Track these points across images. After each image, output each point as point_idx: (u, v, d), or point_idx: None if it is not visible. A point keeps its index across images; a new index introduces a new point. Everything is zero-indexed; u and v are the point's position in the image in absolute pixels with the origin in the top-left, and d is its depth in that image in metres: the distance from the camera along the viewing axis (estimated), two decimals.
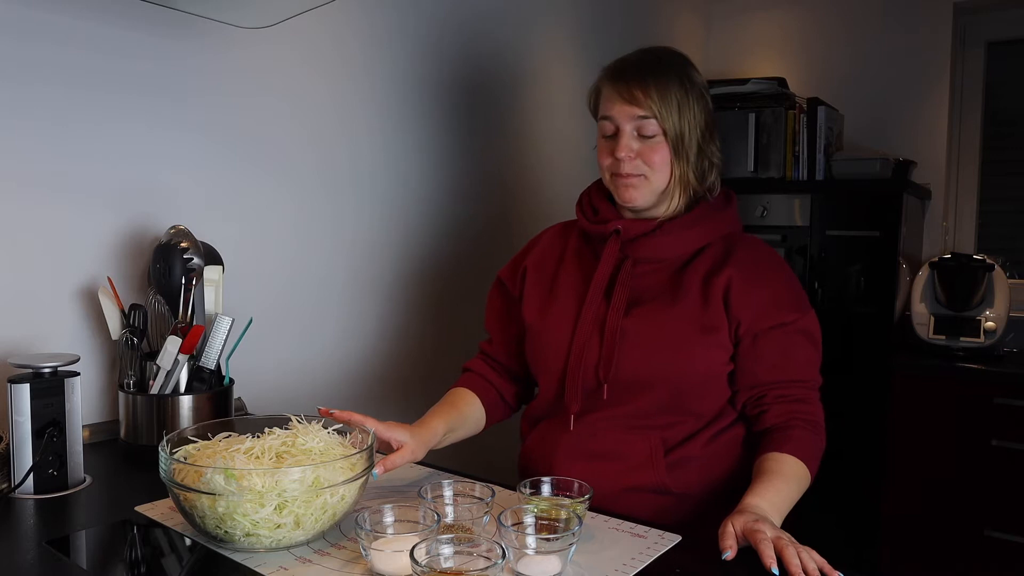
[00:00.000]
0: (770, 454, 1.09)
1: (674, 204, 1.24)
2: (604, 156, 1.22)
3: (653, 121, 1.17)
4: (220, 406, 1.26)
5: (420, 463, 1.24)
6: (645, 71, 1.19)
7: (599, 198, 1.30)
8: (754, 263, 1.20)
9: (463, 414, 1.26)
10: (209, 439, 0.99)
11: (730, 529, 0.91)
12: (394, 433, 1.08)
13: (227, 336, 1.26)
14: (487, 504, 0.93)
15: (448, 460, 1.43)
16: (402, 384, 1.89)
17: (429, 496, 0.94)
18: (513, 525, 0.84)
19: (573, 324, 1.21)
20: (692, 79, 1.20)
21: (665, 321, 1.16)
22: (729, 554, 0.88)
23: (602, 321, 1.18)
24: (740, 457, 1.20)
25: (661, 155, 1.19)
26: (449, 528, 0.90)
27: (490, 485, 0.98)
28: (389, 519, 0.87)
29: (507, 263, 1.39)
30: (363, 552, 0.82)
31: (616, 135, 1.20)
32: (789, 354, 1.16)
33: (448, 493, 0.96)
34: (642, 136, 1.19)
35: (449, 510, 0.93)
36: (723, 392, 1.18)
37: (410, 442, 1.09)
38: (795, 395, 1.15)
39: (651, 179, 1.19)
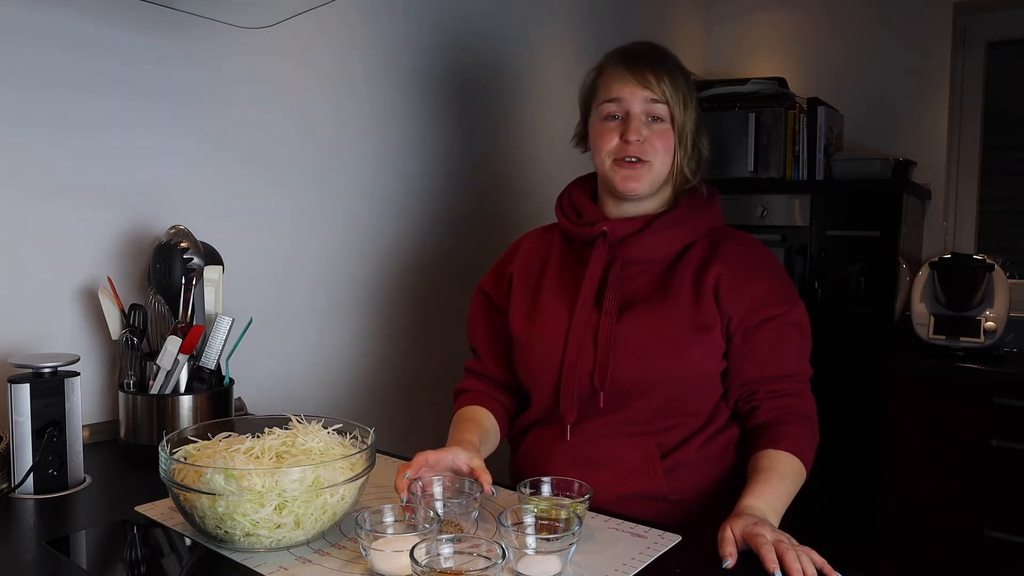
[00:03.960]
0: (764, 451, 1.09)
1: (663, 197, 1.25)
2: (607, 140, 1.21)
3: (663, 106, 1.19)
4: (220, 406, 1.26)
5: None
6: (655, 58, 1.21)
7: (581, 199, 1.28)
8: (743, 257, 1.20)
9: (485, 428, 1.21)
10: (209, 439, 0.99)
11: (729, 535, 0.90)
12: (454, 455, 1.01)
13: (227, 336, 1.26)
14: (476, 499, 0.94)
15: None
16: (401, 382, 1.89)
17: (419, 493, 0.94)
18: (513, 525, 0.84)
19: (564, 333, 1.19)
20: (687, 74, 1.23)
21: (659, 323, 1.15)
22: (729, 562, 0.87)
23: (595, 328, 1.17)
24: (735, 461, 1.19)
25: (667, 142, 1.20)
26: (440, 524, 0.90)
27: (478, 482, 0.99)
28: (389, 519, 0.87)
29: (488, 273, 1.36)
30: (363, 552, 0.82)
31: (624, 119, 1.20)
32: (779, 348, 1.15)
33: (438, 489, 0.97)
34: (650, 121, 1.19)
35: (439, 506, 0.94)
36: (717, 389, 1.18)
37: (471, 456, 1.02)
38: (786, 389, 1.15)
39: (655, 165, 1.19)
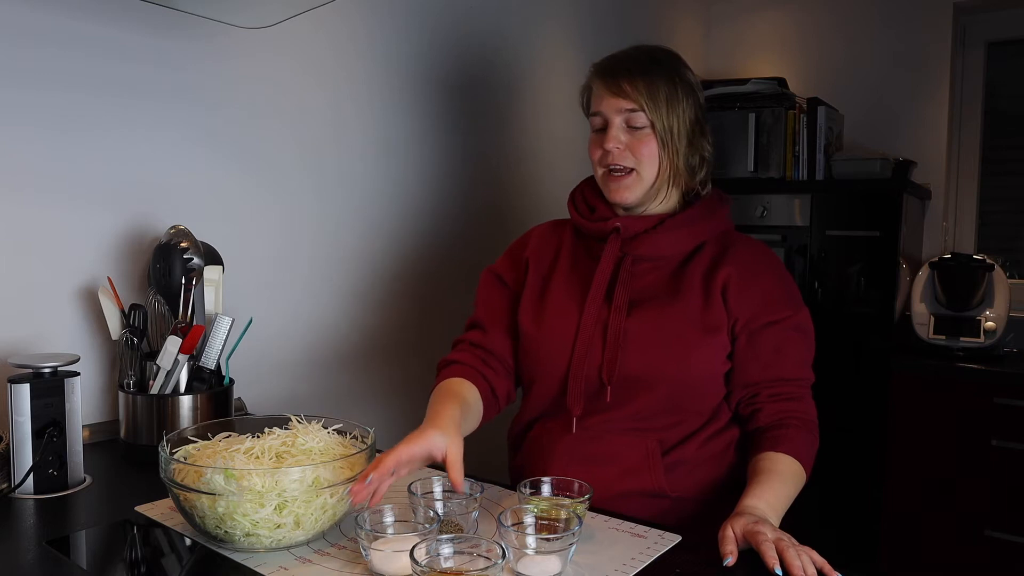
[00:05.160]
0: (765, 453, 1.09)
1: (668, 199, 1.25)
2: (593, 151, 1.23)
3: (641, 114, 1.19)
4: (220, 406, 1.26)
5: None
6: (633, 65, 1.21)
7: (593, 195, 1.29)
8: (751, 260, 1.20)
9: (468, 403, 1.14)
10: (209, 439, 0.99)
11: (730, 533, 0.91)
12: (430, 443, 0.95)
13: (227, 336, 1.26)
14: (476, 499, 0.94)
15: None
16: (402, 382, 1.89)
17: (419, 493, 0.94)
18: (513, 525, 0.84)
19: (575, 327, 1.19)
20: (681, 74, 1.22)
21: (667, 320, 1.16)
22: (730, 560, 0.87)
23: (604, 323, 1.18)
24: (735, 460, 1.20)
25: (649, 148, 1.19)
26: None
27: (479, 482, 0.99)
28: (389, 519, 0.87)
29: (500, 257, 1.35)
30: (363, 552, 0.82)
31: (605, 128, 1.21)
32: (783, 351, 1.16)
33: (438, 489, 0.97)
34: (631, 129, 1.20)
35: (439, 505, 0.94)
36: (721, 390, 1.18)
37: (449, 443, 0.97)
38: (788, 393, 1.15)
39: (641, 173, 1.20)
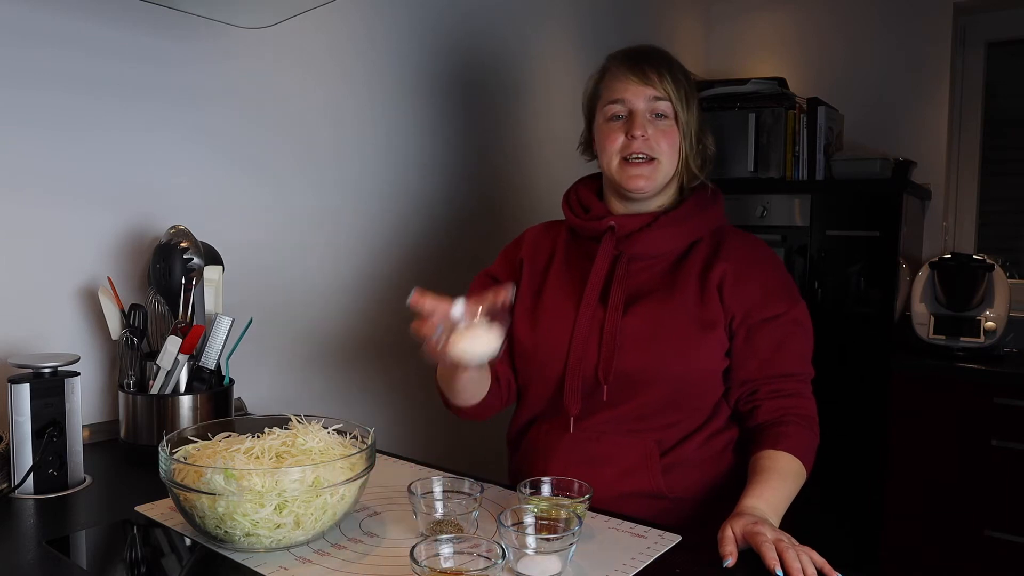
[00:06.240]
0: (765, 452, 1.09)
1: (667, 193, 1.25)
2: (612, 139, 1.21)
3: (667, 103, 1.20)
4: (220, 406, 1.26)
5: (413, 461, 1.24)
6: (656, 57, 1.23)
7: (588, 195, 1.29)
8: (746, 255, 1.21)
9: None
10: (209, 439, 0.99)
11: (729, 534, 0.91)
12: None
13: (227, 336, 1.26)
14: (476, 499, 0.94)
15: (440, 459, 1.43)
16: (401, 382, 1.89)
17: (419, 492, 0.94)
18: (513, 525, 0.84)
19: (570, 327, 1.19)
20: (688, 74, 1.25)
21: (664, 318, 1.16)
22: (730, 561, 0.87)
23: (600, 322, 1.18)
24: (734, 461, 1.19)
25: (672, 139, 1.21)
26: (439, 523, 0.91)
27: (479, 482, 0.99)
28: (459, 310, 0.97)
29: (495, 260, 1.36)
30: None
31: (629, 117, 1.21)
32: (782, 346, 1.16)
33: (438, 489, 0.96)
34: (655, 118, 1.20)
35: (439, 505, 0.94)
36: (719, 387, 1.18)
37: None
38: (788, 389, 1.15)
39: (662, 163, 1.20)
